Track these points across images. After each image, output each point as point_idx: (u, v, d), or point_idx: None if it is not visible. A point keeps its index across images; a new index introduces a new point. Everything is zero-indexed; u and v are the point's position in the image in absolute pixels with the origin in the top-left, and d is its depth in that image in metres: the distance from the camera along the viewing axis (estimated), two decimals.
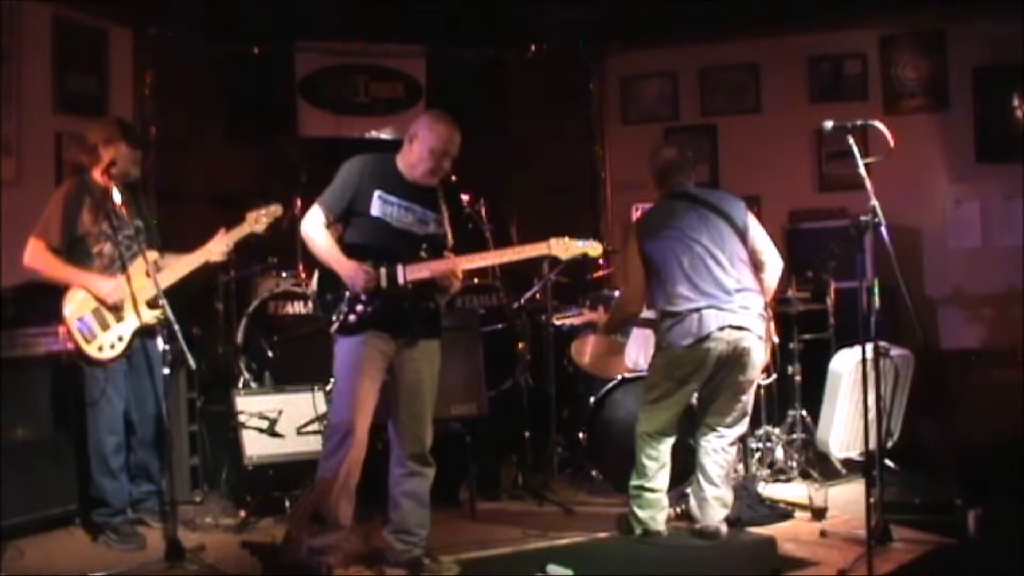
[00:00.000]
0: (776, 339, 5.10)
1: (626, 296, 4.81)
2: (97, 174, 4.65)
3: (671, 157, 4.81)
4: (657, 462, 4.59)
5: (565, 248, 4.10)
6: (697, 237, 4.51)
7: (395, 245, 4.05)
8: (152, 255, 4.65)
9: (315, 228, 4.07)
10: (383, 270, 3.99)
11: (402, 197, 4.08)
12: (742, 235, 4.58)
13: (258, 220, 4.70)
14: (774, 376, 5.51)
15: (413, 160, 4.08)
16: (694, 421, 4.72)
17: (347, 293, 4.00)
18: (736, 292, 4.45)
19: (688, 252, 4.49)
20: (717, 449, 4.59)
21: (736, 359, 4.45)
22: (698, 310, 4.41)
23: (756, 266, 4.61)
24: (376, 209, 4.04)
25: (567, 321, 5.74)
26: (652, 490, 4.60)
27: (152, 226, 4.90)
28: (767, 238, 4.68)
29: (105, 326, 4.56)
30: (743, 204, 4.69)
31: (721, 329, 4.39)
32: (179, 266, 4.70)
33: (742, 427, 4.68)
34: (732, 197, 4.77)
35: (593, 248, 4.17)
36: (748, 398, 4.61)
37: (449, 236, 4.19)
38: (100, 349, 4.55)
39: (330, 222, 4.08)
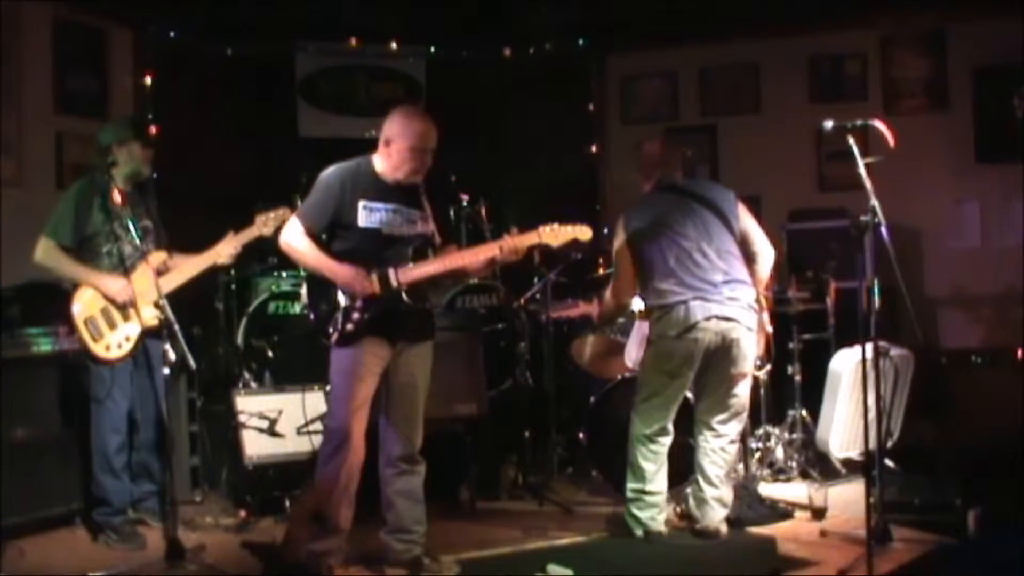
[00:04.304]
0: (770, 329, 5.12)
1: (615, 287, 4.79)
2: (107, 174, 4.64)
3: (653, 151, 4.80)
4: (655, 464, 4.57)
5: (555, 235, 4.07)
6: (684, 231, 4.51)
7: (385, 250, 4.01)
8: (160, 255, 4.66)
9: (297, 239, 4.01)
10: (375, 275, 3.96)
11: (387, 201, 4.03)
12: (731, 227, 4.58)
13: (267, 223, 4.69)
14: (768, 367, 5.46)
15: (395, 162, 4.03)
16: (693, 420, 4.72)
17: (341, 302, 3.96)
18: (723, 284, 4.45)
19: (674, 246, 4.49)
20: (716, 449, 4.59)
21: (725, 351, 4.45)
22: (684, 302, 4.42)
23: (748, 257, 4.61)
24: (363, 219, 3.99)
25: (563, 314, 5.71)
26: (651, 493, 4.58)
27: (160, 226, 4.90)
28: (758, 228, 4.68)
29: (112, 325, 4.56)
30: (732, 195, 4.69)
31: (707, 319, 4.40)
32: (187, 268, 4.70)
33: (738, 424, 4.66)
34: (721, 188, 4.77)
35: (582, 232, 4.13)
36: (742, 392, 4.59)
37: (435, 233, 4.16)
38: (107, 349, 4.55)
39: (311, 235, 4.02)
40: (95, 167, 4.71)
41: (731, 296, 4.45)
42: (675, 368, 4.48)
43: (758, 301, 4.61)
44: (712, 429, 4.60)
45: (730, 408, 4.58)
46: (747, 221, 4.65)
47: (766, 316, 4.83)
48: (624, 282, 4.68)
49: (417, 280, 4.02)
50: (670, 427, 4.60)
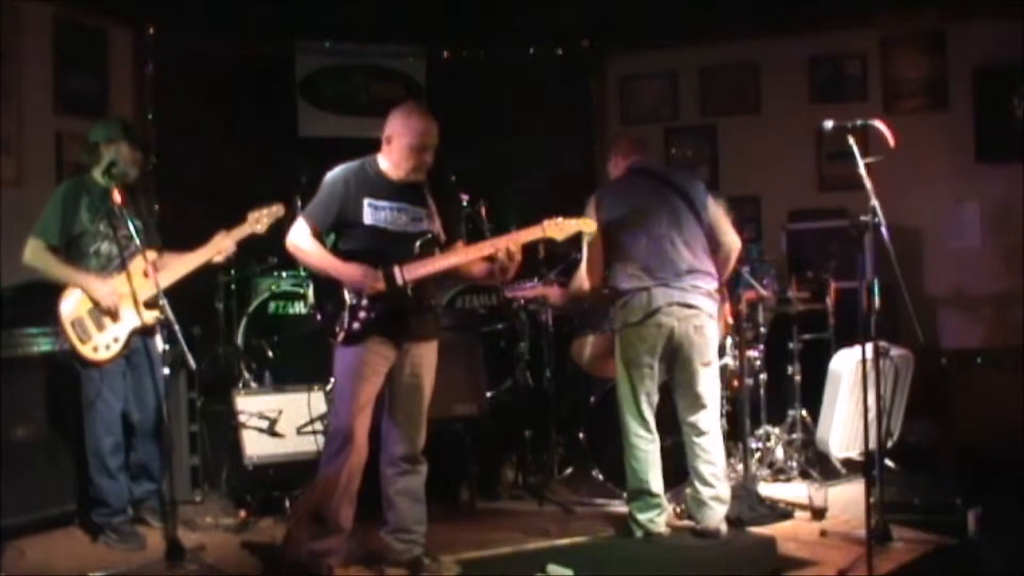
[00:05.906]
0: (730, 320, 5.18)
1: (582, 270, 4.79)
2: (97, 173, 4.66)
3: (629, 135, 5.00)
4: (646, 463, 4.57)
5: (560, 228, 4.07)
6: (658, 218, 4.56)
7: (391, 248, 4.01)
8: (151, 254, 4.65)
9: (303, 239, 4.04)
10: (379, 273, 3.97)
11: (392, 199, 4.05)
12: (700, 217, 4.63)
13: (259, 220, 4.69)
14: (726, 360, 5.38)
15: (395, 160, 4.06)
16: None
17: (348, 301, 3.97)
18: (687, 273, 4.51)
19: (647, 233, 4.53)
20: (704, 448, 4.58)
21: (689, 339, 4.48)
22: (646, 288, 4.47)
23: (713, 248, 4.66)
24: (369, 217, 4.01)
25: (518, 294, 5.67)
26: (649, 493, 4.58)
27: (152, 225, 4.90)
28: (726, 220, 4.75)
29: (100, 327, 4.55)
30: (703, 185, 4.76)
31: (670, 305, 4.45)
32: (179, 266, 4.69)
33: (714, 415, 4.61)
34: (693, 178, 4.86)
35: (587, 224, 4.17)
36: (711, 382, 4.58)
37: (440, 231, 4.16)
38: (95, 350, 4.54)
39: (316, 235, 4.04)
40: (90, 165, 4.71)
41: (693, 284, 4.50)
42: (638, 356, 4.51)
43: (720, 292, 4.67)
44: (693, 427, 4.60)
45: (702, 402, 4.56)
46: (716, 212, 4.71)
47: (727, 307, 4.91)
48: (594, 264, 4.69)
49: (423, 277, 4.02)
50: (651, 424, 4.59)
